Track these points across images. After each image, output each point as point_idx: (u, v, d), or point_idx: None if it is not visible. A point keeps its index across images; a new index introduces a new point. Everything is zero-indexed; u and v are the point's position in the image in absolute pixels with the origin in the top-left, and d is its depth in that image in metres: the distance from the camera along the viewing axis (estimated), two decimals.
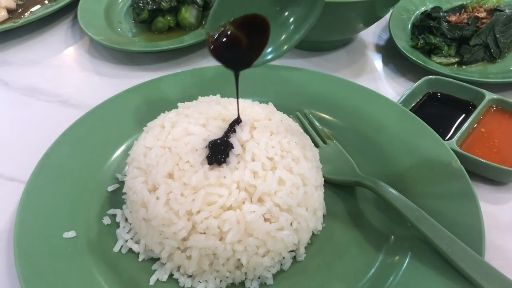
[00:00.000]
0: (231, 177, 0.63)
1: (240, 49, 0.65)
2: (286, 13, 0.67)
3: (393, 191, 0.70)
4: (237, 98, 0.69)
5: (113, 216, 0.74)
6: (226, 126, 0.68)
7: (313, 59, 1.14)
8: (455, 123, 0.89)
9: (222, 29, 0.63)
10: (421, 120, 0.83)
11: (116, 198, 0.76)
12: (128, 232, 0.71)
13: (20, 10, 1.27)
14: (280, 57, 0.68)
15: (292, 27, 0.67)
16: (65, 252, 0.66)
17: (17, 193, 0.74)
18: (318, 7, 0.65)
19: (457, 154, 0.78)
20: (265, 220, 0.63)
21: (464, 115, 0.91)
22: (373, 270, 0.66)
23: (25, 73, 1.12)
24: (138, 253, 0.69)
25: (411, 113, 0.85)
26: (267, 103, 0.78)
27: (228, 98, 0.77)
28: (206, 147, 0.65)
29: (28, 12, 1.26)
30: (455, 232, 0.64)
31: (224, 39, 0.63)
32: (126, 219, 0.73)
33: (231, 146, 0.65)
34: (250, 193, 0.63)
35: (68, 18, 1.30)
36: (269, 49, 0.66)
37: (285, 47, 0.67)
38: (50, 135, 0.83)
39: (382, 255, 0.68)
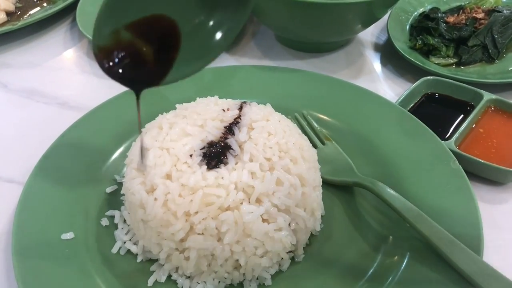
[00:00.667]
0: (229, 177, 0.62)
1: (143, 61, 0.51)
2: (203, 15, 0.53)
3: (392, 191, 0.70)
4: (139, 125, 0.58)
5: (111, 217, 0.73)
6: (223, 127, 0.68)
7: (311, 60, 1.14)
8: (453, 123, 0.89)
9: (116, 37, 0.49)
10: (420, 121, 0.83)
11: (115, 199, 0.76)
12: (126, 234, 0.71)
13: (19, 12, 1.26)
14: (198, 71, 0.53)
15: (212, 30, 0.53)
16: (63, 253, 0.66)
17: (16, 194, 0.74)
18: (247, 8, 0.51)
19: (456, 154, 0.78)
20: (263, 220, 0.62)
21: (462, 115, 0.90)
22: (371, 271, 0.66)
23: (24, 75, 1.12)
24: (137, 254, 0.69)
25: (410, 113, 0.86)
26: (265, 104, 0.78)
27: (226, 99, 0.77)
28: (204, 148, 0.66)
29: (27, 14, 1.26)
30: (453, 232, 0.64)
31: (120, 51, 0.50)
32: (125, 221, 0.72)
33: (229, 147, 0.65)
34: (248, 193, 0.62)
35: (67, 20, 1.30)
36: (183, 61, 0.52)
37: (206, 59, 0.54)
38: (48, 137, 0.83)
39: (380, 255, 0.68)
